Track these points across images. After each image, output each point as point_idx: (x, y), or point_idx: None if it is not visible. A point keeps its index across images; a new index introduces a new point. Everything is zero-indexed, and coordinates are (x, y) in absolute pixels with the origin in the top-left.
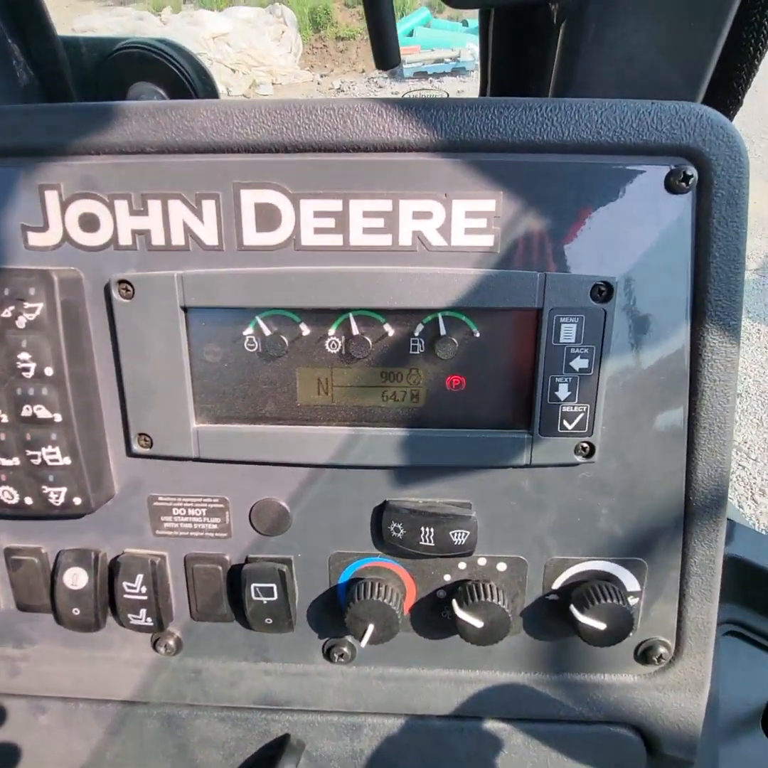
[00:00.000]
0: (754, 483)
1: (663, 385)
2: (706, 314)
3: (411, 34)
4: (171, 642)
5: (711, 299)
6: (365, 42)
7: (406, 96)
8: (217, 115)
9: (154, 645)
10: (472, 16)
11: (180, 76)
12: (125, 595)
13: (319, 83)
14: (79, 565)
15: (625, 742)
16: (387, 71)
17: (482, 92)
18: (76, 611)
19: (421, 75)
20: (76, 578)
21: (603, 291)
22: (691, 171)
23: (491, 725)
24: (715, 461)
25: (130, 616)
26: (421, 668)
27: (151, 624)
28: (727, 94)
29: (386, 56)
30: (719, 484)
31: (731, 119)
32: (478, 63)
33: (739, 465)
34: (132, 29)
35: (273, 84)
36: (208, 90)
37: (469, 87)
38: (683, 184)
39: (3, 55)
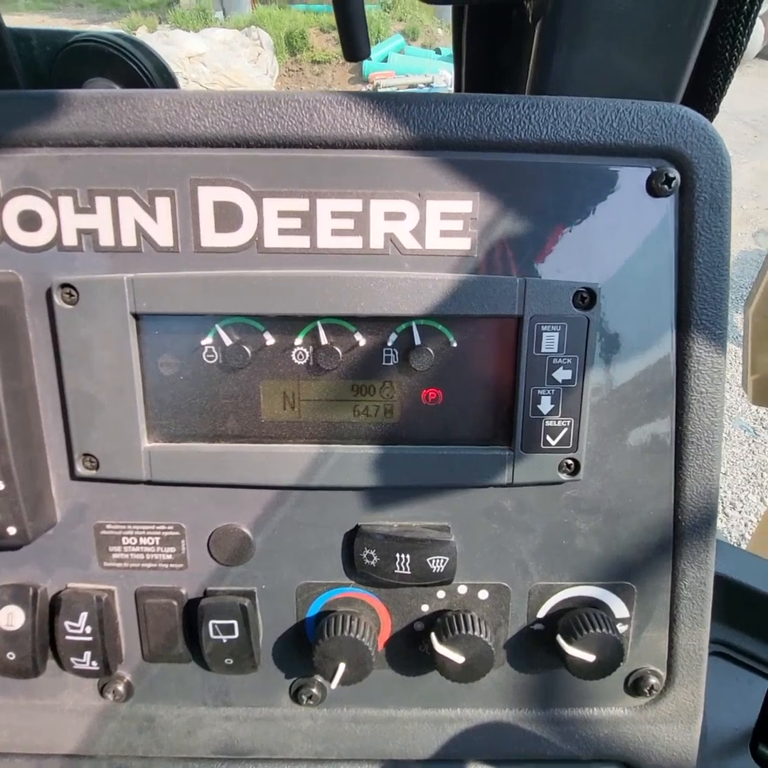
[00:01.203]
0: (725, 497)
1: (649, 398)
2: (691, 322)
3: (386, 60)
4: (120, 687)
5: (696, 307)
6: (340, 66)
7: None
8: (172, 105)
9: (102, 691)
10: (446, 45)
11: (138, 72)
12: (67, 636)
13: None
14: (15, 603)
15: None
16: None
17: (456, 92)
18: (10, 655)
19: None
20: (11, 617)
21: (585, 298)
22: (674, 173)
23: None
24: (704, 477)
25: (72, 659)
26: (397, 708)
27: (97, 668)
28: (703, 100)
29: (356, 47)
30: (709, 502)
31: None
32: (450, 89)
33: None
34: None
35: None
36: (168, 87)
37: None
38: (665, 186)
39: None
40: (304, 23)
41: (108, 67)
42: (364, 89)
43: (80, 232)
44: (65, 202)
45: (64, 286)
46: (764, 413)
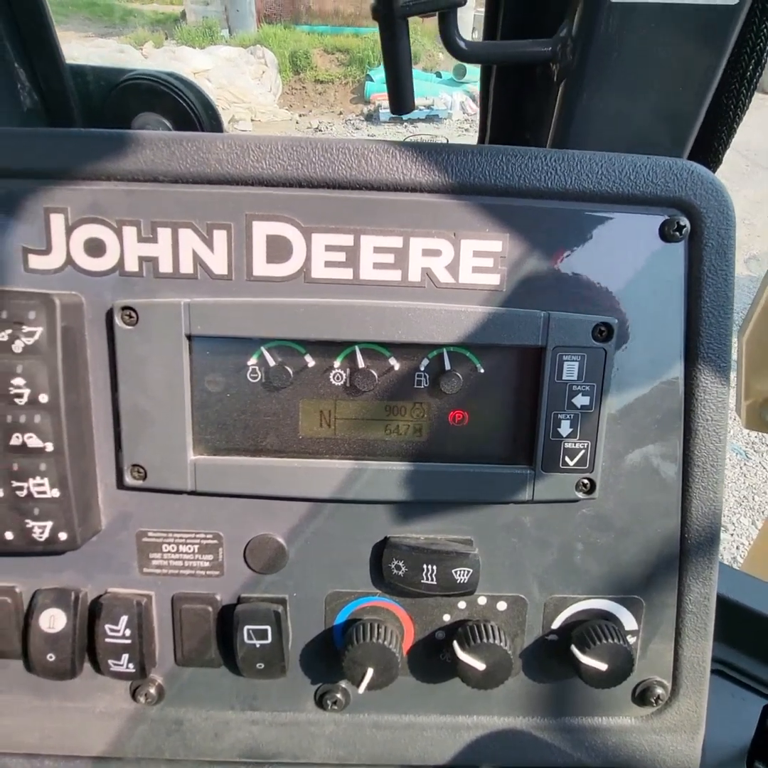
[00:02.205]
0: None
1: (659, 423)
2: (698, 355)
3: None
4: (152, 690)
5: (702, 342)
6: (343, 86)
7: (409, 139)
8: (234, 148)
9: (134, 694)
10: (446, 68)
11: (187, 108)
12: (106, 639)
13: (297, 122)
14: (58, 606)
15: None
16: (365, 115)
17: (481, 139)
18: (51, 657)
19: (397, 120)
20: (53, 620)
21: (603, 331)
22: (684, 221)
23: None
24: (709, 498)
25: (110, 661)
26: (417, 715)
27: (133, 670)
28: (709, 152)
29: (402, 101)
30: (713, 522)
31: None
32: (450, 111)
33: None
34: (112, 61)
35: (252, 120)
36: (214, 124)
37: (442, 132)
38: (677, 233)
39: (9, 79)
40: (308, 44)
41: (158, 103)
42: (365, 109)
43: (141, 259)
44: (129, 232)
45: (125, 308)
46: (756, 437)
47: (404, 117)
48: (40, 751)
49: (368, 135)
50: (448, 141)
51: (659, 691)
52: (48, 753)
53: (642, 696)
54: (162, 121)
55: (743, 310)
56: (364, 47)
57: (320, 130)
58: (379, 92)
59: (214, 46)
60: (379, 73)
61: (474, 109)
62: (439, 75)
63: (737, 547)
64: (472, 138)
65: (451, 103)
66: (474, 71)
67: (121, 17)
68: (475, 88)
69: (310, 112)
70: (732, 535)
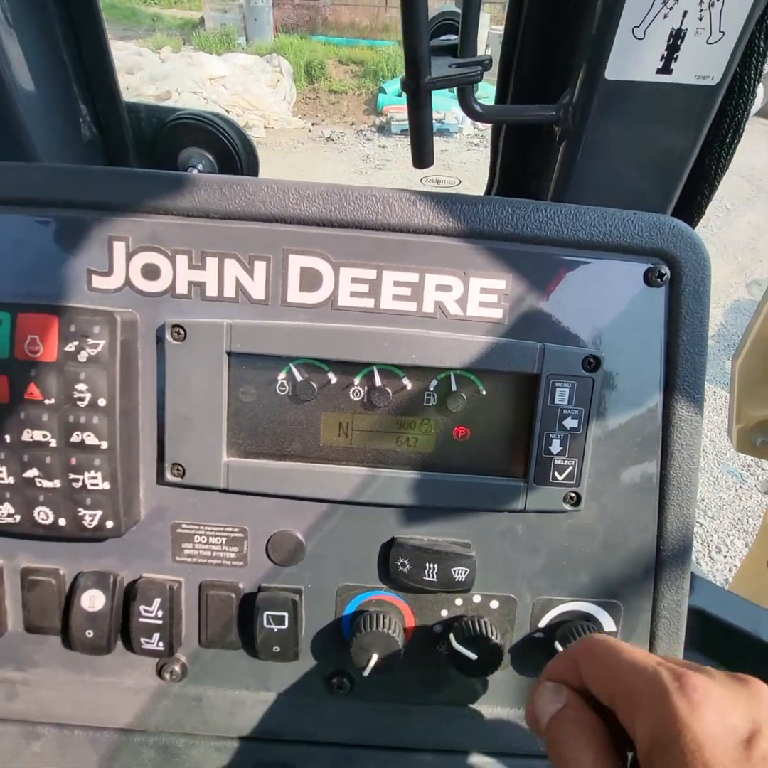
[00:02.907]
0: (711, 541)
1: (639, 446)
2: (675, 387)
3: (400, 95)
4: (177, 668)
5: (679, 375)
6: (356, 97)
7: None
8: (276, 191)
9: (160, 671)
10: None
11: (229, 146)
12: (140, 619)
13: (309, 130)
14: (98, 588)
15: None
16: (377, 126)
17: (489, 185)
18: (89, 633)
19: (407, 132)
20: (93, 600)
21: (592, 363)
22: (665, 269)
23: (479, 760)
24: (683, 515)
25: (142, 639)
26: (414, 702)
27: (163, 648)
28: (692, 207)
29: (424, 157)
30: (686, 535)
31: (695, 226)
32: (460, 126)
33: (697, 522)
34: (130, 64)
35: (265, 127)
36: (251, 160)
37: (452, 146)
38: (658, 279)
39: (72, 116)
40: (323, 54)
41: (203, 140)
42: (377, 120)
43: (191, 284)
44: (181, 260)
45: (175, 326)
46: (752, 460)
47: None
48: (72, 721)
49: (379, 146)
50: (459, 182)
51: None
52: (79, 723)
53: None
54: (206, 155)
55: (741, 333)
56: (378, 60)
57: (332, 140)
58: (391, 104)
59: (231, 54)
60: (392, 86)
61: (484, 125)
62: (451, 90)
63: (730, 569)
64: (480, 153)
65: (462, 118)
66: (486, 88)
67: (139, 20)
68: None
69: (323, 122)
70: (725, 556)
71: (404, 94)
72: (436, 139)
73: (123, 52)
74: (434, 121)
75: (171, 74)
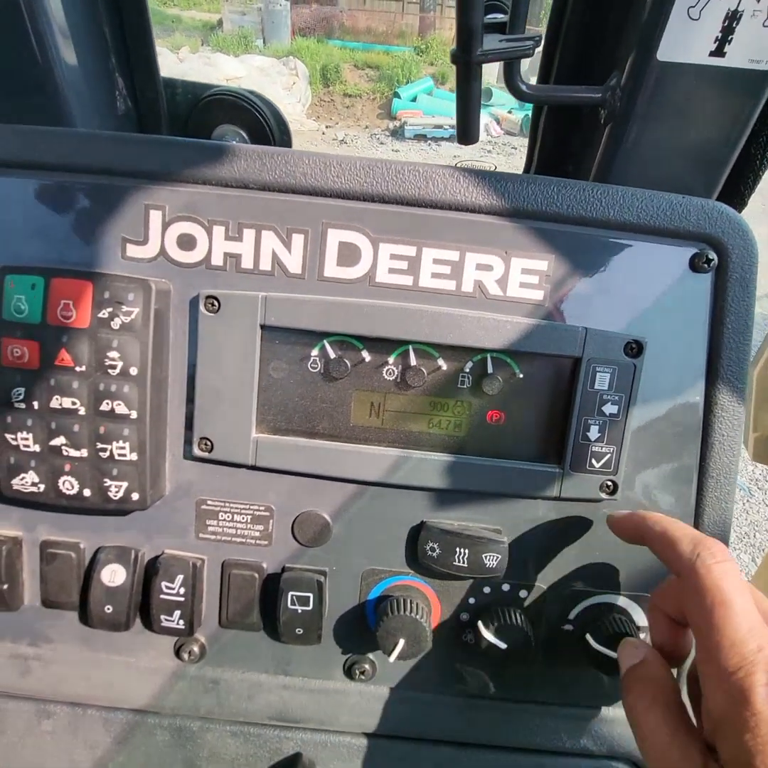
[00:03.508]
0: None
1: (679, 436)
2: (718, 376)
3: (414, 100)
4: (195, 648)
5: (723, 364)
6: (370, 101)
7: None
8: (318, 164)
9: (178, 651)
10: None
11: (263, 122)
12: (162, 595)
13: (323, 133)
14: (119, 562)
15: None
16: (391, 130)
17: (527, 167)
18: (108, 609)
19: (421, 137)
20: (114, 575)
21: (634, 348)
22: (712, 255)
23: (498, 755)
24: (720, 508)
25: (162, 617)
26: (437, 692)
27: (183, 627)
28: (735, 195)
29: (469, 133)
30: (723, 530)
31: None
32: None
33: None
34: None
35: None
36: (284, 137)
37: (463, 153)
38: (705, 265)
39: (109, 87)
40: (339, 58)
41: (237, 116)
42: (391, 124)
43: (227, 255)
44: (218, 231)
45: (209, 297)
46: (760, 474)
47: (429, 135)
48: (85, 700)
49: (392, 150)
50: (495, 168)
51: None
52: (92, 703)
53: None
54: (239, 132)
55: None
56: (393, 65)
57: (345, 143)
58: (405, 109)
59: (248, 55)
60: (406, 91)
61: (498, 131)
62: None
63: None
64: (494, 158)
65: None
66: (499, 95)
67: (158, 20)
68: (500, 111)
69: (337, 124)
70: None
71: (417, 99)
72: (447, 144)
73: None
74: (447, 127)
75: (188, 74)
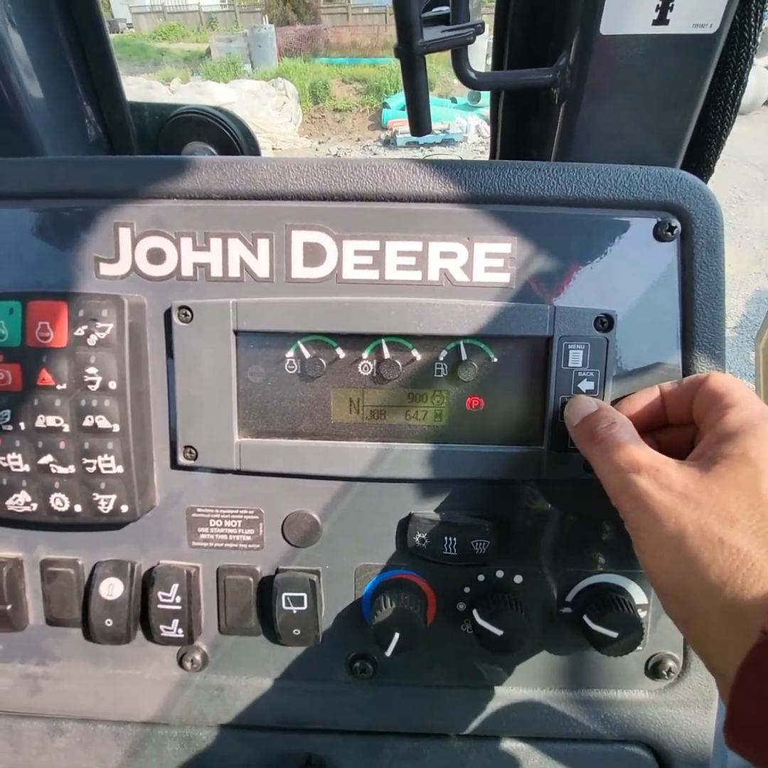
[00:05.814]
0: None
1: None
2: (694, 344)
3: (403, 109)
4: (198, 657)
5: (697, 331)
6: (360, 114)
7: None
8: (276, 168)
9: (181, 661)
10: (460, 94)
11: (229, 137)
12: (159, 606)
13: (316, 149)
14: (116, 576)
15: (639, 762)
16: (383, 140)
17: (492, 156)
18: (109, 622)
19: (413, 144)
20: (111, 588)
21: (605, 322)
22: (675, 223)
23: (508, 745)
24: None
25: (162, 627)
26: (439, 685)
27: (182, 635)
28: (700, 163)
29: (421, 124)
30: None
31: (705, 183)
32: (465, 135)
33: None
34: (141, 97)
35: (273, 149)
36: (252, 149)
37: (456, 155)
38: (669, 233)
39: (78, 115)
40: (326, 75)
41: (205, 133)
42: (382, 135)
43: (196, 265)
44: (186, 242)
45: (181, 307)
46: None
47: (421, 141)
48: (95, 716)
49: None
50: (461, 158)
51: (671, 664)
52: (102, 718)
53: (654, 669)
54: (208, 148)
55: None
56: (380, 76)
57: (339, 156)
58: (395, 118)
59: (238, 80)
60: (395, 101)
61: (489, 131)
62: (454, 100)
63: None
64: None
65: (466, 127)
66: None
67: (149, 55)
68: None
69: (329, 140)
70: None
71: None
72: (440, 148)
73: (134, 87)
74: (439, 132)
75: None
